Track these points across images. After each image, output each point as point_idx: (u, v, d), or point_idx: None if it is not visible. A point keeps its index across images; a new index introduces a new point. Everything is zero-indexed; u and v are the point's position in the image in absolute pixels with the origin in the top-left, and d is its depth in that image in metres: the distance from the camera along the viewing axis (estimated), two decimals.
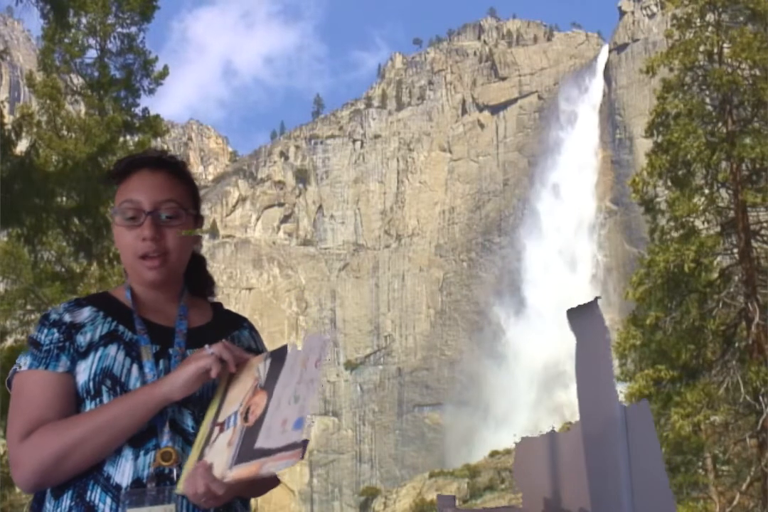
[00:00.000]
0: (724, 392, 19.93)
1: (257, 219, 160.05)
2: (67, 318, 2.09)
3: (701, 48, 21.40)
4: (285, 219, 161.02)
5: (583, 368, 2.03)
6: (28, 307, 19.99)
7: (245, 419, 1.93)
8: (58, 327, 2.07)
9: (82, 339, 2.06)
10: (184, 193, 2.18)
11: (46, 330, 2.07)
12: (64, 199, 16.19)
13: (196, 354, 1.99)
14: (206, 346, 2.00)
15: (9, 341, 18.77)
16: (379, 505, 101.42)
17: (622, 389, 21.16)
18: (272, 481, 2.10)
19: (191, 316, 2.19)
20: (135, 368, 2.03)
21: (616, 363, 21.22)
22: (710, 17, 21.83)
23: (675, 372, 20.02)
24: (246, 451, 1.88)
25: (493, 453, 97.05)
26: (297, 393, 1.88)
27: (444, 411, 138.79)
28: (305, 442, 1.81)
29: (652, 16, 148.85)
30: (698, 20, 21.81)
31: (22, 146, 16.11)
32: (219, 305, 2.33)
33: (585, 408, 2.05)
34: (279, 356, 2.01)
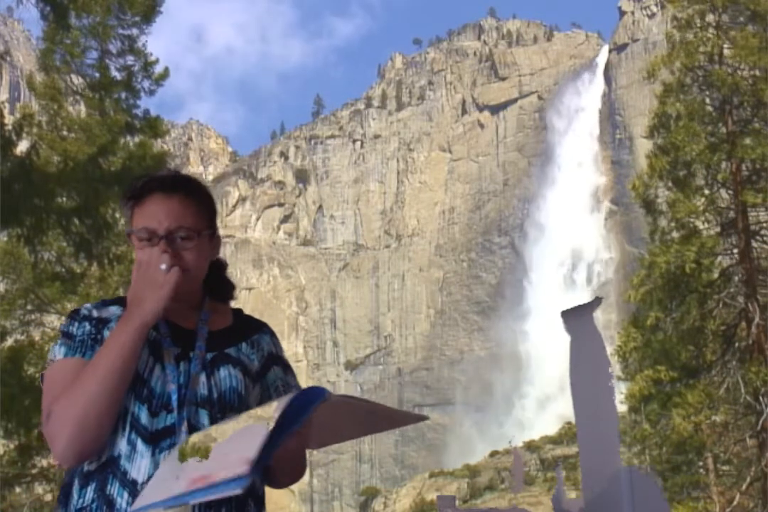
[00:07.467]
0: (724, 392, 19.93)
1: (257, 219, 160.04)
2: (95, 313, 2.18)
3: (701, 49, 21.40)
4: (285, 219, 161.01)
5: (578, 370, 2.05)
6: (28, 307, 19.98)
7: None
8: (89, 320, 2.16)
9: (109, 334, 2.12)
10: (197, 217, 2.21)
11: (77, 324, 2.16)
12: (65, 199, 16.19)
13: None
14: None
15: (9, 341, 18.78)
16: (379, 505, 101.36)
17: (622, 389, 21.17)
18: (302, 467, 2.15)
19: (212, 320, 2.24)
20: (158, 368, 2.10)
21: (616, 363, 21.24)
22: (710, 18, 21.83)
23: (675, 373, 20.03)
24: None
25: (493, 453, 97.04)
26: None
27: (444, 411, 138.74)
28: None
29: (652, 16, 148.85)
30: (698, 21, 21.82)
31: (22, 146, 16.11)
32: (240, 311, 2.37)
33: (580, 410, 2.06)
34: None
